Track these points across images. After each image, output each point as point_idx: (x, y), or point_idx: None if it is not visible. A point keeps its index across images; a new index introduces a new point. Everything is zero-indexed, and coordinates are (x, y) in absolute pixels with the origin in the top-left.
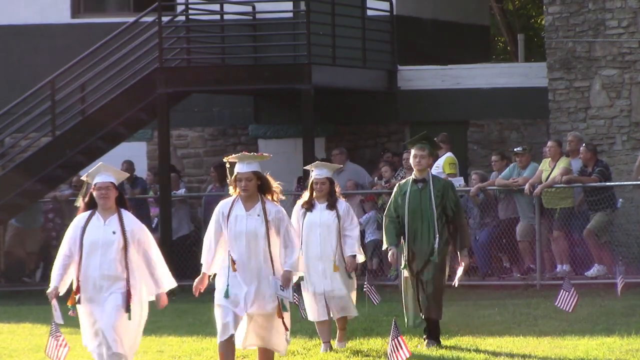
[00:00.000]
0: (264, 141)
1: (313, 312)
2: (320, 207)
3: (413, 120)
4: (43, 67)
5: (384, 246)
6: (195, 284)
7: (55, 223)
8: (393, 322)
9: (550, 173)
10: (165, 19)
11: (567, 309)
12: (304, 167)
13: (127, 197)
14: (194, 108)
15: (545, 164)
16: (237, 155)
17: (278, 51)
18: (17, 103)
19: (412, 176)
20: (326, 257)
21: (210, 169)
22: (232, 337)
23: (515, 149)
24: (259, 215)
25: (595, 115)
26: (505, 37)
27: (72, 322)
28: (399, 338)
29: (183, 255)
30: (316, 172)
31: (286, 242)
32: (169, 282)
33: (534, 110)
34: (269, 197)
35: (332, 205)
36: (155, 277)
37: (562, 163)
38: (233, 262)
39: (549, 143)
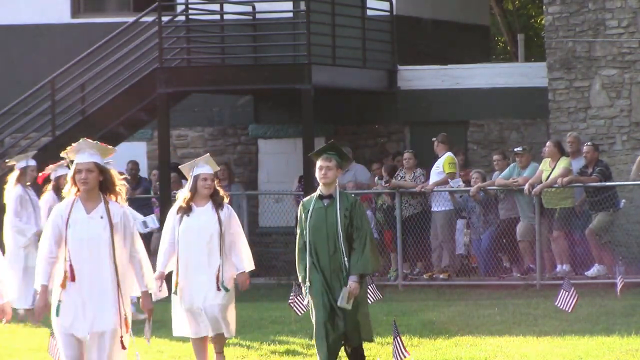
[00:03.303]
0: (264, 141)
1: (186, 327)
2: (199, 210)
3: (413, 120)
4: (43, 67)
5: (300, 279)
6: (37, 304)
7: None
8: (393, 323)
9: (550, 173)
10: (165, 19)
11: (566, 309)
12: (179, 166)
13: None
14: (194, 108)
15: (546, 164)
16: (76, 144)
17: (278, 51)
18: (17, 103)
19: (318, 191)
20: (205, 268)
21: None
22: None
23: (515, 149)
24: (102, 218)
25: (595, 115)
26: (505, 37)
27: None
28: (398, 338)
29: None
30: (203, 169)
31: (133, 253)
32: (10, 293)
33: (534, 110)
34: (113, 198)
35: (215, 208)
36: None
37: (562, 163)
38: (67, 274)
39: (547, 144)
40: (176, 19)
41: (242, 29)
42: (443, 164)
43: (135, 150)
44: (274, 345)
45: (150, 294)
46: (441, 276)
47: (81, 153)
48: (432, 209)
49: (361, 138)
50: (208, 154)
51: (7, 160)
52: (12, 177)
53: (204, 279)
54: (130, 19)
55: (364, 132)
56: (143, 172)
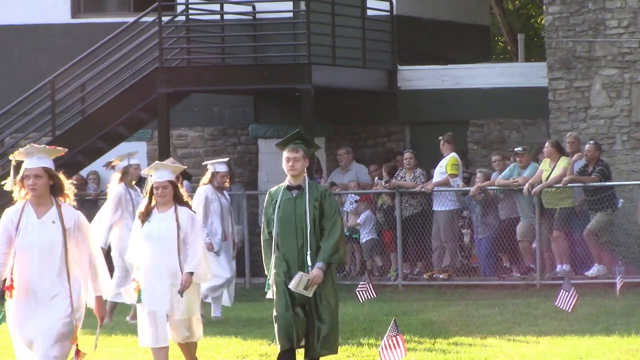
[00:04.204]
0: (264, 141)
1: (148, 336)
2: (160, 216)
3: (413, 120)
4: (43, 67)
5: (267, 272)
6: None
7: None
8: (392, 321)
9: (551, 173)
10: (165, 19)
11: (566, 309)
12: (141, 173)
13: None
14: (194, 108)
15: (546, 163)
16: (24, 148)
17: (278, 51)
18: (18, 103)
19: (286, 182)
20: (166, 274)
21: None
22: None
23: (515, 149)
24: (54, 222)
25: (595, 115)
26: (505, 37)
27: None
28: (398, 337)
29: None
30: (156, 175)
31: (88, 258)
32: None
33: (534, 110)
34: (63, 200)
35: (175, 213)
36: None
37: (562, 163)
38: (12, 283)
39: (546, 144)
40: (176, 19)
41: (242, 29)
42: (446, 164)
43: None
44: (274, 345)
45: (105, 299)
46: (441, 276)
47: (29, 157)
48: (434, 209)
49: (361, 138)
50: (157, 161)
51: (110, 160)
52: (115, 176)
53: (167, 285)
54: (130, 19)
55: (364, 132)
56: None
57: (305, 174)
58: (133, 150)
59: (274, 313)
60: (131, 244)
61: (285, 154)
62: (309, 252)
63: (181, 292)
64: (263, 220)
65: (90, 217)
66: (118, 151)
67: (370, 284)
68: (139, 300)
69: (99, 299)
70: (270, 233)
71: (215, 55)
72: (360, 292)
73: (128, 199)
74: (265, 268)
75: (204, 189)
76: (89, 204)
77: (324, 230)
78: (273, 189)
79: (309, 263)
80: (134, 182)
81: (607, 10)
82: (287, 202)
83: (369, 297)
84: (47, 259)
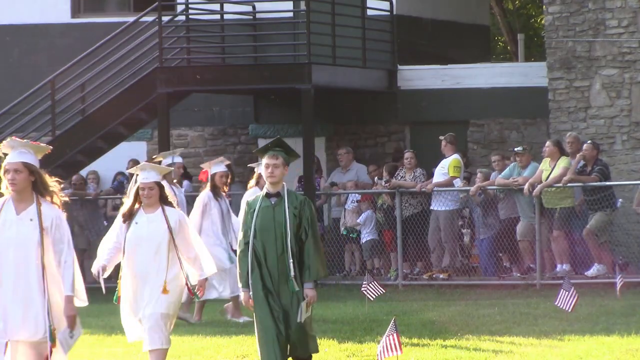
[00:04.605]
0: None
1: (138, 331)
2: (148, 217)
3: (413, 120)
4: (43, 67)
5: (241, 284)
6: None
7: None
8: (392, 321)
9: (550, 173)
10: (165, 18)
11: (566, 309)
12: (129, 170)
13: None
14: (194, 108)
15: (546, 163)
16: (7, 141)
17: (278, 51)
18: (17, 103)
19: (265, 190)
20: (153, 277)
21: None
22: None
23: (515, 149)
24: (31, 220)
25: (595, 115)
26: (505, 37)
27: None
28: (394, 335)
29: None
30: (142, 176)
31: (62, 258)
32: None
33: (534, 110)
34: (48, 199)
35: (163, 215)
36: None
37: (563, 163)
38: None
39: (547, 143)
40: (176, 18)
41: (242, 29)
42: (449, 166)
43: (135, 150)
44: None
45: (73, 299)
46: (441, 276)
47: (12, 151)
48: (433, 208)
49: (361, 138)
50: (144, 162)
51: (154, 157)
52: None
53: (149, 290)
54: (130, 19)
55: (364, 132)
56: None
57: (284, 182)
58: (176, 149)
59: (256, 327)
60: (105, 241)
61: (265, 160)
62: (291, 260)
63: (200, 298)
64: (241, 230)
65: (91, 216)
66: (118, 151)
67: (373, 282)
68: (115, 301)
69: (69, 298)
70: (247, 244)
71: (215, 55)
72: (367, 291)
73: (172, 196)
74: (239, 278)
75: (251, 192)
76: (89, 204)
77: (304, 244)
78: (251, 198)
79: (292, 272)
80: (175, 180)
81: (607, 10)
82: (265, 209)
83: (378, 294)
84: (22, 256)
